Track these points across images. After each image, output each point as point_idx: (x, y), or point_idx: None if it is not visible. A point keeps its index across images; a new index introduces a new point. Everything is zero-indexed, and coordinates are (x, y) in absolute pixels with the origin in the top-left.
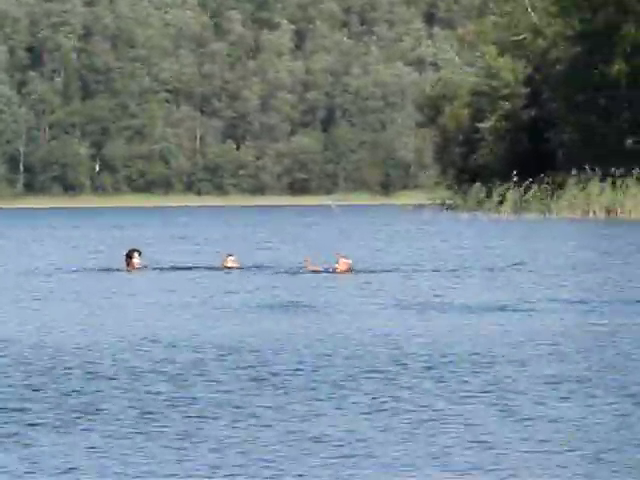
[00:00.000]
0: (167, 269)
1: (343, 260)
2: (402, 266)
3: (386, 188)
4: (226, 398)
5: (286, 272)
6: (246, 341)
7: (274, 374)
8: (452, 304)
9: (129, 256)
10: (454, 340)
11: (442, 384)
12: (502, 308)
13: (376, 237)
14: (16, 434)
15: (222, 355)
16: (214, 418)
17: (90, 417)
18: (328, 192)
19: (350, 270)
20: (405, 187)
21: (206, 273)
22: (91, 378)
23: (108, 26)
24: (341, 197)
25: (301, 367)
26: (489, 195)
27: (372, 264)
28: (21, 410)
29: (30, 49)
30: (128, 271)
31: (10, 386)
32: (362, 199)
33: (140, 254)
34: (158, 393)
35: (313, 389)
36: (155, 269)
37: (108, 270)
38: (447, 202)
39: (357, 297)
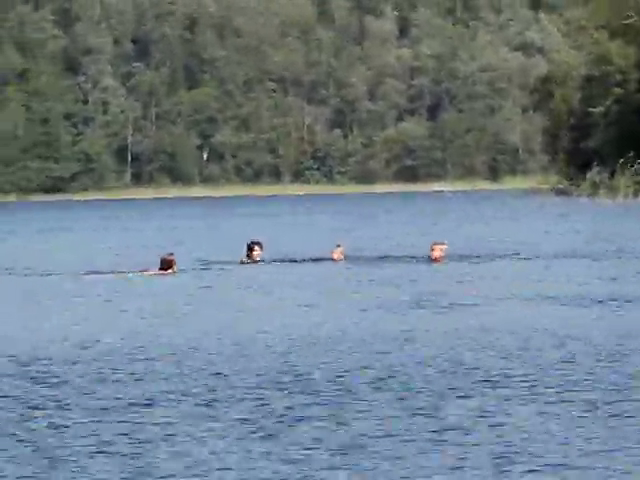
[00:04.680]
0: (285, 261)
1: (438, 246)
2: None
3: (494, 174)
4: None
5: (408, 262)
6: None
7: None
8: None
9: (250, 248)
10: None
11: None
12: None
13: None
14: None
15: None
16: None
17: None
18: (437, 178)
19: (442, 256)
20: (513, 172)
21: (317, 265)
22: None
23: (213, 15)
24: (449, 183)
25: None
26: (604, 179)
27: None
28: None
29: (135, 40)
30: (246, 263)
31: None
32: (470, 185)
33: (261, 247)
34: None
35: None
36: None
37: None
38: (558, 187)
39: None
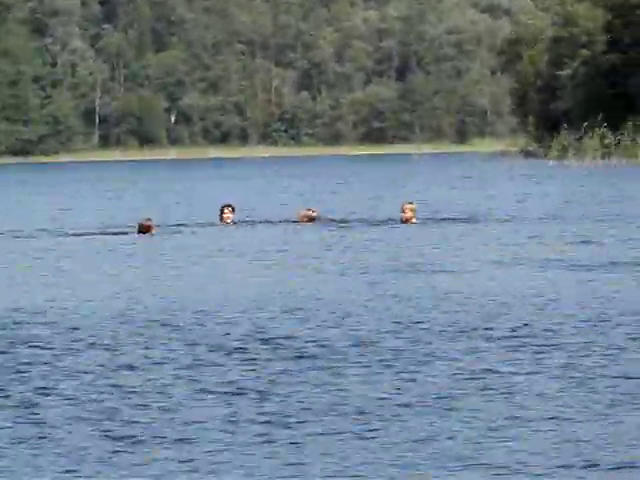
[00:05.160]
0: (256, 223)
1: (408, 206)
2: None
3: (463, 136)
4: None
5: (379, 225)
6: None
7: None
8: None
9: (222, 211)
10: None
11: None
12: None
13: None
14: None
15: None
16: None
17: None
18: (405, 141)
19: (413, 217)
20: (482, 135)
21: (289, 227)
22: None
23: None
24: (417, 146)
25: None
26: (572, 142)
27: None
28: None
29: (103, 2)
30: (219, 225)
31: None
32: (438, 147)
33: (233, 209)
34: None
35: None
36: (245, 223)
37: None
38: (527, 149)
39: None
